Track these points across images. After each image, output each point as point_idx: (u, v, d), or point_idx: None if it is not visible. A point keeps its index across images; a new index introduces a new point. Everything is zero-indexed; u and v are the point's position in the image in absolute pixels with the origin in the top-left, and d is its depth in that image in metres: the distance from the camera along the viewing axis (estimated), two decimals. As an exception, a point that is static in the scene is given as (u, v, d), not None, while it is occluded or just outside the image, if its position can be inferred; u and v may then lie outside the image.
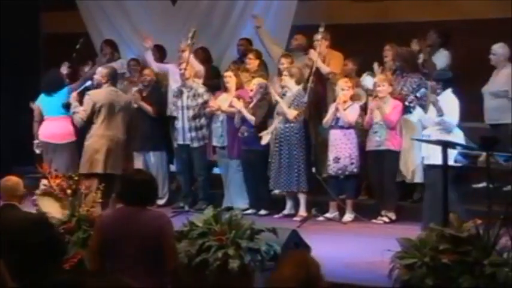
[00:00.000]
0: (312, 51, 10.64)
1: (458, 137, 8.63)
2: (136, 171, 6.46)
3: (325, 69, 10.65)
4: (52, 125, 10.81)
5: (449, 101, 8.86)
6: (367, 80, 10.37)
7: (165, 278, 5.37)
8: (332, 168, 10.09)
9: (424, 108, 9.48)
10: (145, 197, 5.49)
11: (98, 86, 10.32)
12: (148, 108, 11.10)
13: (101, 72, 10.37)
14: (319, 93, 10.66)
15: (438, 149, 8.07)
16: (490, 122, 10.30)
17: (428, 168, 8.96)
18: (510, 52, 10.23)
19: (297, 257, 3.95)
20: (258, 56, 11.11)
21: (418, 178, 9.81)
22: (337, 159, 10.06)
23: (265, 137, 10.34)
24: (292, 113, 10.20)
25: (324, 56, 10.70)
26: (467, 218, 6.68)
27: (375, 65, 10.54)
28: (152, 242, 5.31)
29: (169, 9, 12.91)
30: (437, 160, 8.32)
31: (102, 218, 5.86)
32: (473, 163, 9.01)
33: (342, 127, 10.10)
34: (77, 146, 10.69)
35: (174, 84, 11.28)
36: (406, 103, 9.84)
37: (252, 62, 10.99)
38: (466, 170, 9.08)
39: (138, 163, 11.23)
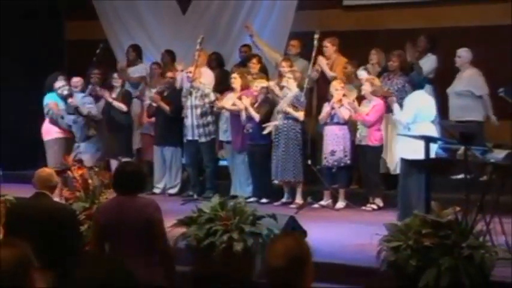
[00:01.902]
0: (320, 57, 10.70)
1: (416, 132, 8.47)
2: (126, 164, 6.49)
3: (329, 74, 10.70)
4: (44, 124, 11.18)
5: (409, 102, 8.80)
6: (363, 74, 10.34)
7: (156, 258, 5.39)
8: (328, 160, 10.11)
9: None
10: (134, 186, 5.53)
11: (69, 95, 10.74)
12: (166, 107, 11.12)
13: (75, 82, 11.13)
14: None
15: (410, 143, 8.09)
16: (455, 119, 10.26)
17: (401, 161, 8.94)
18: (472, 56, 10.23)
19: (293, 235, 3.68)
20: (260, 61, 11.20)
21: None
22: (333, 152, 10.07)
23: (267, 128, 10.39)
24: (301, 115, 10.25)
25: (332, 61, 10.76)
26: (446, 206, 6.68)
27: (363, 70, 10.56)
28: (142, 226, 5.36)
29: (180, 18, 12.93)
30: (409, 154, 8.33)
31: (100, 207, 6.07)
32: (452, 156, 9.00)
33: (337, 123, 10.12)
34: (66, 142, 10.88)
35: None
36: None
37: (255, 66, 11.06)
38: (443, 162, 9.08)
39: (156, 156, 11.34)
